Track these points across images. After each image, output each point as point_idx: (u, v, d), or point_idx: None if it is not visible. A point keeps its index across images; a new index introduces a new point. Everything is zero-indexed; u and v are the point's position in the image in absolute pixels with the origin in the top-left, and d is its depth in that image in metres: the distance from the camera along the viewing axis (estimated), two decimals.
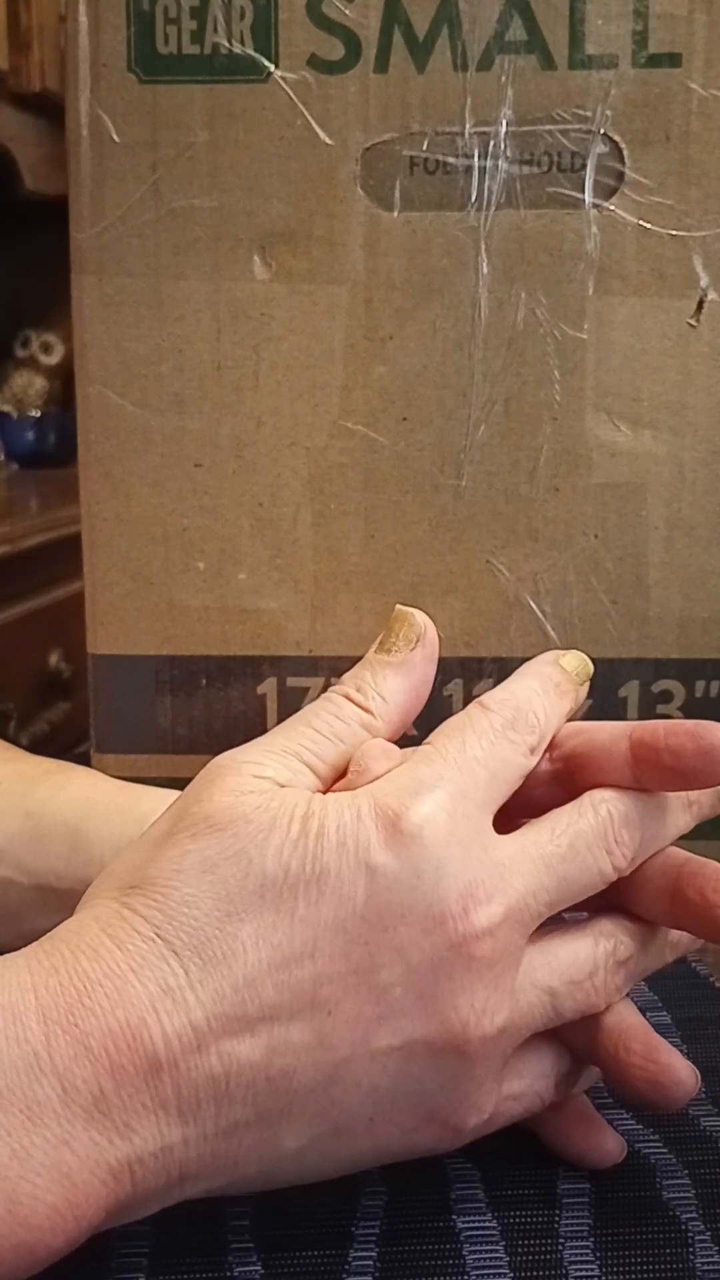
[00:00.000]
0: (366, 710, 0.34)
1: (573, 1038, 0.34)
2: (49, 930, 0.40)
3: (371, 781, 0.32)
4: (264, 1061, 0.29)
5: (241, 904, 0.29)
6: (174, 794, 0.42)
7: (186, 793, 0.32)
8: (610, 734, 0.33)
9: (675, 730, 0.32)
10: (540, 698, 0.34)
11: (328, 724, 0.34)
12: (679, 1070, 0.33)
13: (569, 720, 0.35)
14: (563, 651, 0.37)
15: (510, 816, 0.32)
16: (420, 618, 0.36)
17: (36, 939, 0.42)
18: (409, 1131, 0.31)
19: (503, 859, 0.31)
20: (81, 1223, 0.27)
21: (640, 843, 0.33)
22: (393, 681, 0.35)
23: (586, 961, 0.33)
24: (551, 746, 0.34)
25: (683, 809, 0.34)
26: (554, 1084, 0.34)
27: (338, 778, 0.33)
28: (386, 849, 0.30)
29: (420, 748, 0.33)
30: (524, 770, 0.33)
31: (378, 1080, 0.30)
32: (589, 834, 0.32)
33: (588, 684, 0.37)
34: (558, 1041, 0.34)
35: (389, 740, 0.34)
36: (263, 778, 0.32)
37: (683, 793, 0.34)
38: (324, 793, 0.33)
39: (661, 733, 0.32)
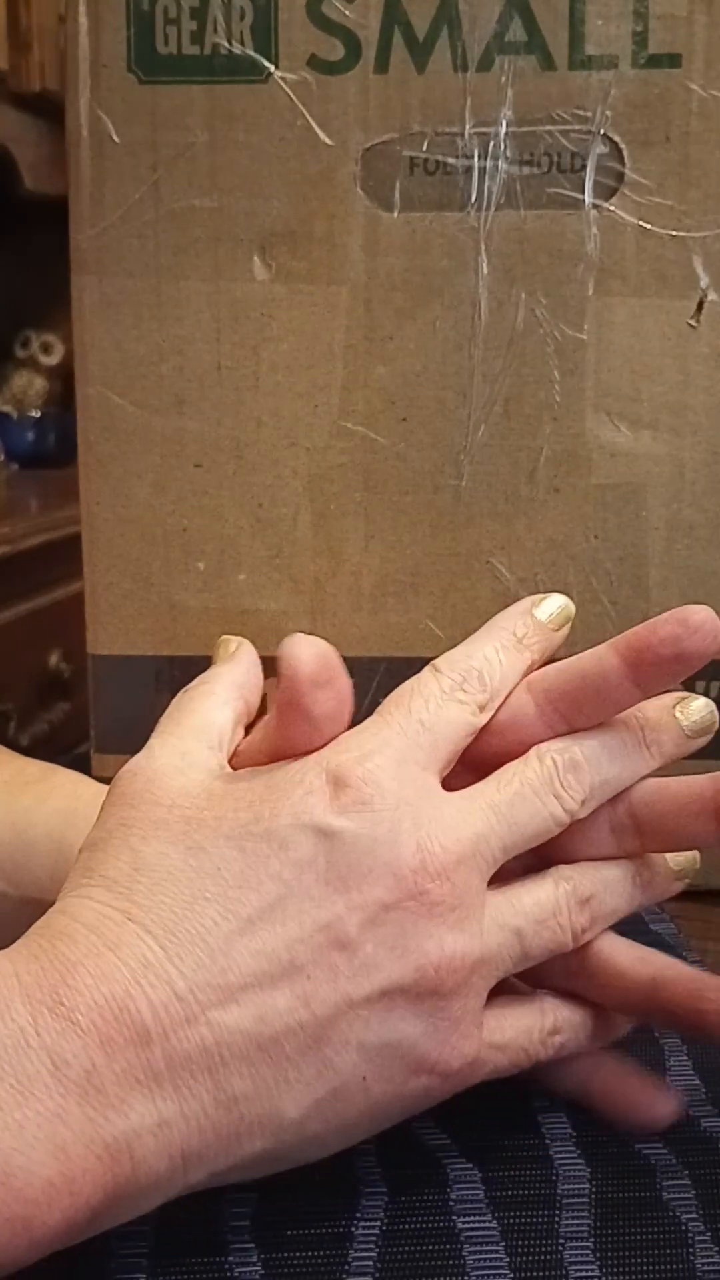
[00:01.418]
0: (203, 683, 0.37)
1: (625, 997, 0.35)
2: None
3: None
4: (253, 1029, 0.29)
5: (202, 887, 0.30)
6: None
7: (108, 805, 0.33)
8: (596, 657, 0.34)
9: (659, 626, 0.33)
10: (494, 657, 0.35)
11: (176, 704, 0.36)
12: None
13: (550, 662, 0.36)
14: (541, 597, 0.37)
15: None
16: (232, 640, 0.39)
17: None
18: (400, 1085, 0.31)
19: (451, 811, 0.32)
20: (79, 1199, 0.27)
21: (593, 786, 0.34)
22: (224, 668, 0.38)
23: (549, 902, 0.34)
24: (539, 692, 0.35)
25: (639, 748, 0.35)
26: (539, 1040, 0.34)
27: (216, 728, 0.35)
28: (341, 815, 0.31)
29: (373, 715, 0.34)
30: (472, 728, 0.34)
31: (364, 1035, 0.30)
32: (535, 780, 0.33)
33: (567, 627, 0.37)
34: (546, 1000, 0.35)
35: (240, 696, 0.37)
36: (169, 764, 0.33)
37: (640, 733, 0.35)
38: (225, 753, 0.35)
39: (647, 633, 0.33)
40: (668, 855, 0.36)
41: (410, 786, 0.32)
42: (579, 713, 0.34)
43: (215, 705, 0.36)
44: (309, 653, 0.33)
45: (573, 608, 0.37)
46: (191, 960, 0.29)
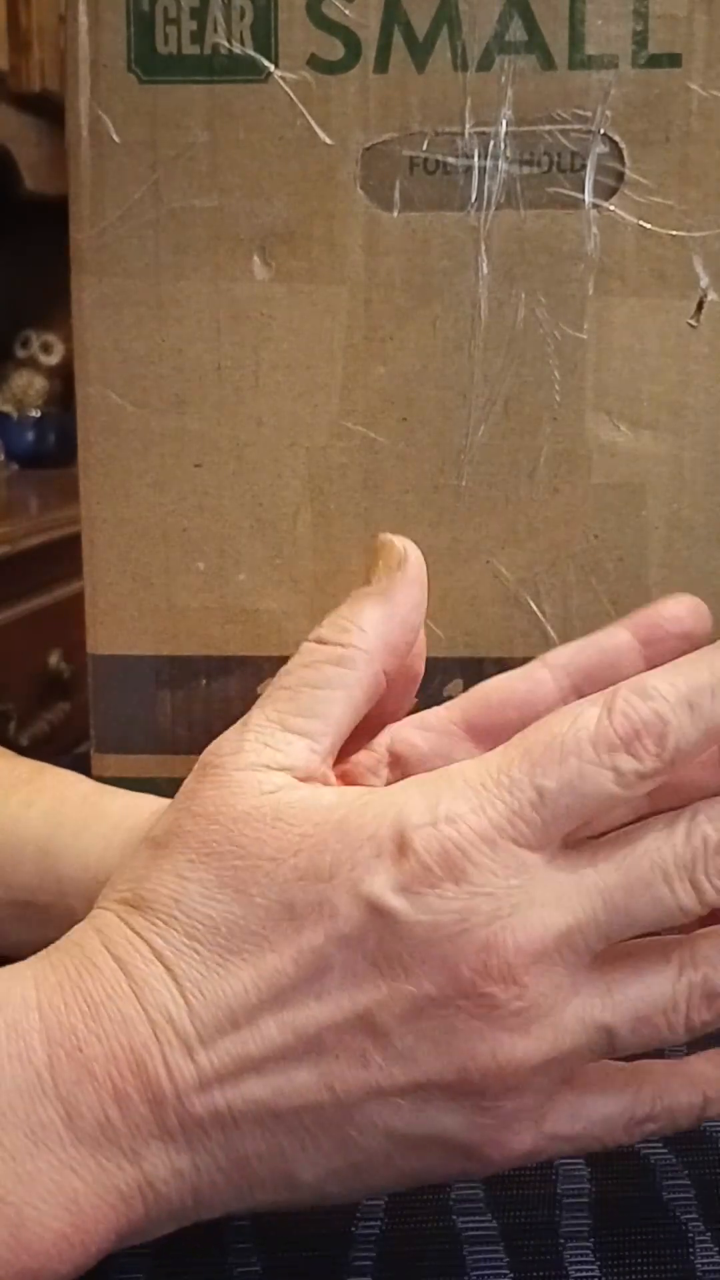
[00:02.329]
0: (340, 645, 0.31)
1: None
2: (32, 943, 0.39)
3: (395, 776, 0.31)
4: (271, 1100, 0.28)
5: (242, 941, 0.28)
6: (143, 797, 0.42)
7: (181, 796, 0.31)
8: (610, 634, 0.35)
9: (665, 607, 0.35)
10: (694, 707, 0.27)
11: (300, 677, 0.31)
12: None
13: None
14: None
15: None
16: (401, 543, 0.34)
17: (24, 950, 0.42)
18: (433, 1168, 0.30)
19: (545, 896, 0.27)
20: (90, 1249, 0.27)
21: None
22: (371, 611, 0.32)
23: (662, 997, 0.29)
24: (555, 666, 0.34)
25: None
26: (622, 1128, 0.30)
27: (333, 731, 0.31)
28: (402, 894, 0.27)
29: (490, 753, 0.29)
30: (619, 801, 0.27)
31: (393, 1122, 0.28)
32: (671, 863, 0.27)
33: None
34: (646, 1086, 0.31)
35: (382, 670, 0.31)
36: (252, 769, 0.30)
37: None
38: (330, 761, 0.31)
39: (655, 614, 0.35)
40: None
41: (501, 868, 0.27)
42: (591, 685, 0.34)
43: (342, 686, 0.31)
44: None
45: None
46: (214, 1024, 0.28)
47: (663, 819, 0.28)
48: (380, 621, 0.32)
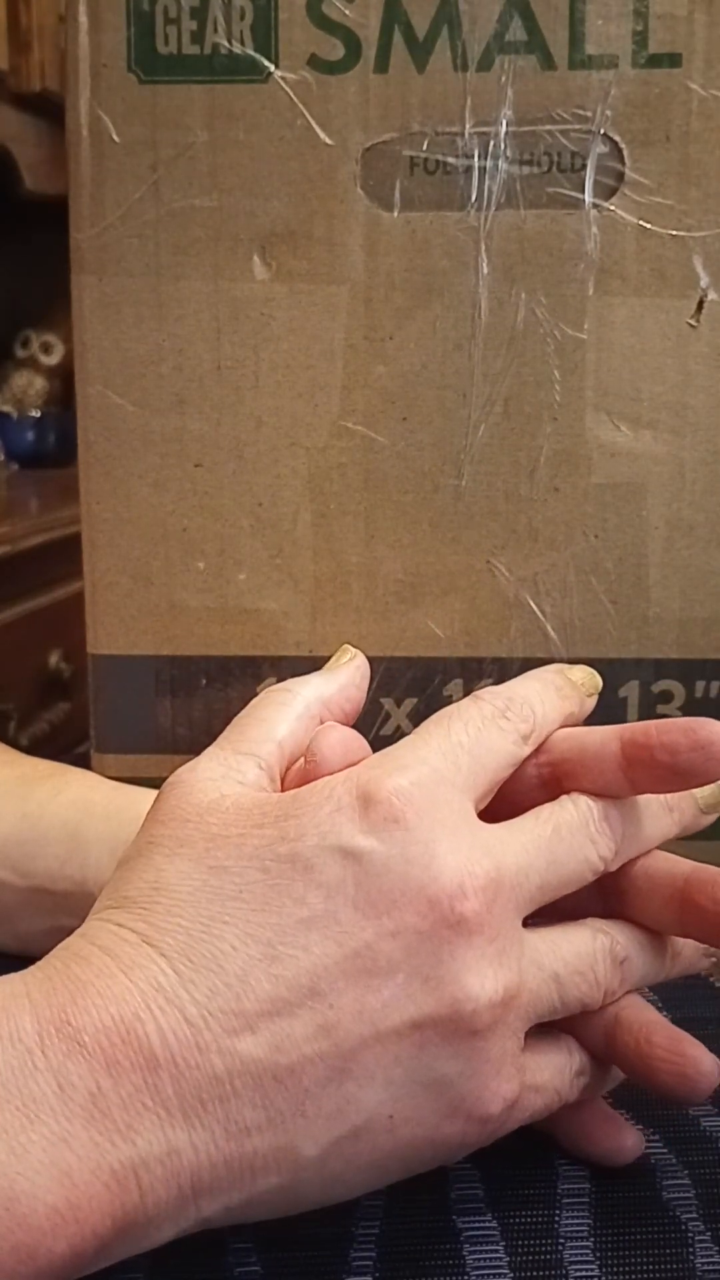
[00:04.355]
0: (285, 690, 0.35)
1: (590, 1036, 0.34)
2: (43, 932, 0.40)
3: (329, 770, 0.32)
4: (269, 1059, 0.28)
5: (222, 908, 0.29)
6: None
7: (148, 815, 0.32)
8: (600, 737, 0.33)
9: (668, 727, 0.32)
10: (538, 694, 0.34)
11: (247, 714, 0.35)
12: (704, 1062, 0.32)
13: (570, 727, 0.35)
14: (570, 665, 0.37)
15: (498, 821, 0.32)
16: (352, 649, 0.39)
17: (31, 941, 0.43)
18: (433, 1129, 0.30)
19: (490, 838, 0.31)
20: (85, 1228, 0.27)
21: (621, 839, 0.33)
22: (315, 679, 0.37)
23: (587, 953, 0.33)
24: (540, 752, 0.34)
25: (664, 812, 0.34)
26: (569, 1081, 0.33)
27: (277, 752, 0.34)
28: (370, 834, 0.29)
29: (409, 736, 0.33)
30: (514, 758, 0.33)
31: (392, 1071, 0.29)
32: (573, 822, 0.32)
33: (595, 697, 0.37)
34: (571, 1040, 0.34)
35: (319, 715, 0.35)
36: (210, 780, 0.32)
37: (662, 797, 0.34)
38: (280, 775, 0.33)
39: (654, 731, 0.32)
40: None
41: (445, 808, 0.30)
42: (569, 781, 0.34)
43: (283, 718, 0.34)
44: (335, 742, 0.33)
45: (599, 680, 0.37)
46: (206, 985, 0.28)
47: (547, 804, 0.33)
48: (321, 683, 0.36)
